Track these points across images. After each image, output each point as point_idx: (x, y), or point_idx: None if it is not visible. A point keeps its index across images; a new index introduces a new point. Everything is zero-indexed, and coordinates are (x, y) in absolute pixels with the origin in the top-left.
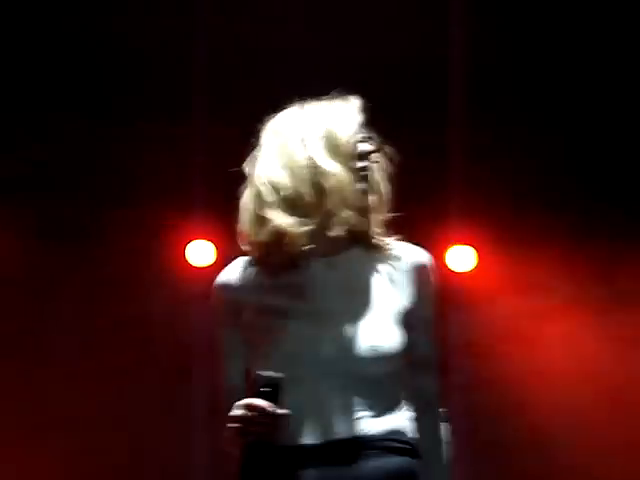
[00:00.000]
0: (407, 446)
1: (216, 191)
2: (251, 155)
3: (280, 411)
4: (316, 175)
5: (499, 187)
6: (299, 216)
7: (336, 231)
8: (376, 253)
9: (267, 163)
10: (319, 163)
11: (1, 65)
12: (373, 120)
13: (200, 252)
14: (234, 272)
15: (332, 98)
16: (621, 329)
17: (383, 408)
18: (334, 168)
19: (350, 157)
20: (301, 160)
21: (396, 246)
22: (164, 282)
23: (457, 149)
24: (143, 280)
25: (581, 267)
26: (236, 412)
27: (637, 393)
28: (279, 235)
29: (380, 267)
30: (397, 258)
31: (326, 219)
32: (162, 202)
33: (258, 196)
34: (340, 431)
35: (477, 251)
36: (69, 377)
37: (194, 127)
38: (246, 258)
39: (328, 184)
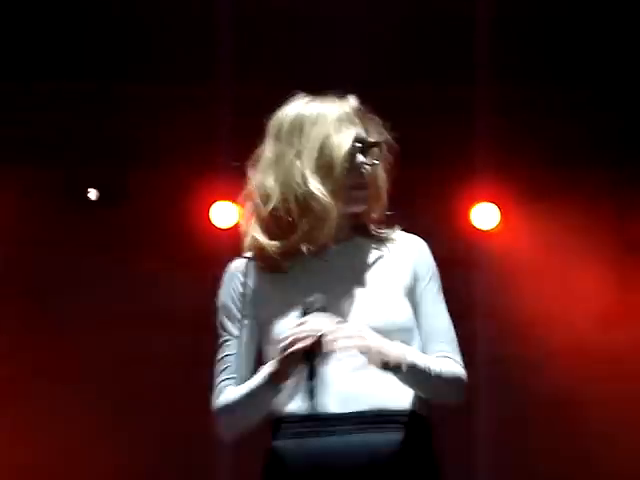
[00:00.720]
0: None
1: (240, 152)
2: (255, 154)
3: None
4: (305, 195)
5: (524, 144)
6: (282, 231)
7: (306, 247)
8: (375, 241)
9: (264, 173)
10: (309, 184)
11: (19, 30)
12: (399, 78)
13: (224, 213)
14: (239, 271)
15: (337, 96)
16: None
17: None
18: (322, 193)
19: (342, 175)
20: (294, 176)
21: (393, 234)
22: (187, 243)
23: (483, 105)
24: (167, 240)
25: (603, 222)
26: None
27: None
28: (258, 248)
29: (380, 252)
30: (395, 243)
31: (307, 235)
32: (186, 163)
33: (253, 206)
34: (362, 403)
35: (500, 208)
36: (91, 333)
37: (218, 88)
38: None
39: (314, 207)
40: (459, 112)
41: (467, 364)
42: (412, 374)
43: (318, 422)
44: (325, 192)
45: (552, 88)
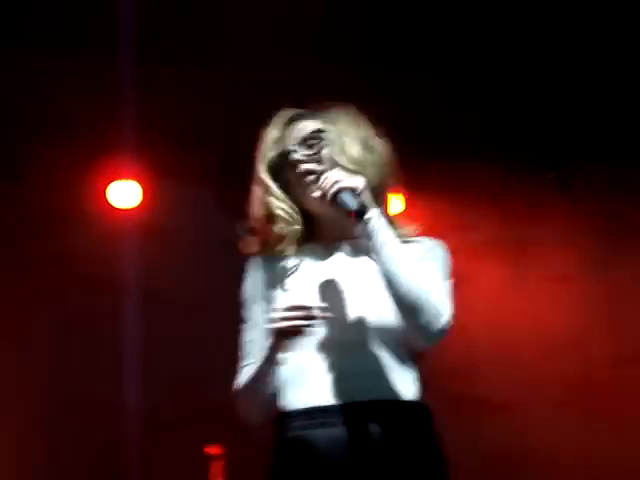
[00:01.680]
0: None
1: (144, 130)
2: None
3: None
4: (268, 202)
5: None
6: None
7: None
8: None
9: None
10: (270, 190)
11: None
12: None
13: (122, 193)
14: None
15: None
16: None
17: (392, 371)
18: (276, 197)
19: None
20: (264, 186)
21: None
22: (84, 222)
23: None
24: (62, 219)
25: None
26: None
27: (550, 324)
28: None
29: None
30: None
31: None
32: (85, 140)
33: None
34: (357, 394)
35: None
36: None
37: (120, 63)
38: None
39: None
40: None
41: None
42: (375, 239)
43: (323, 414)
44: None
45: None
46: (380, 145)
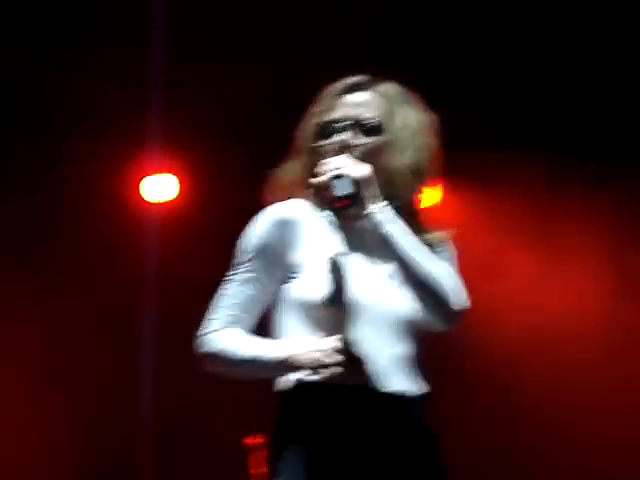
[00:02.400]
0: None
1: (172, 125)
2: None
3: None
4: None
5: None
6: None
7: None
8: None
9: None
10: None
11: None
12: None
13: (156, 186)
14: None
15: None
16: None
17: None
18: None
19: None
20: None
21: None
22: (117, 215)
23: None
24: (97, 213)
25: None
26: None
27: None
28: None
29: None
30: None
31: None
32: (118, 134)
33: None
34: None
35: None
36: (24, 310)
37: (153, 57)
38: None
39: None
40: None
41: None
42: (383, 233)
43: (351, 395)
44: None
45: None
46: (426, 153)
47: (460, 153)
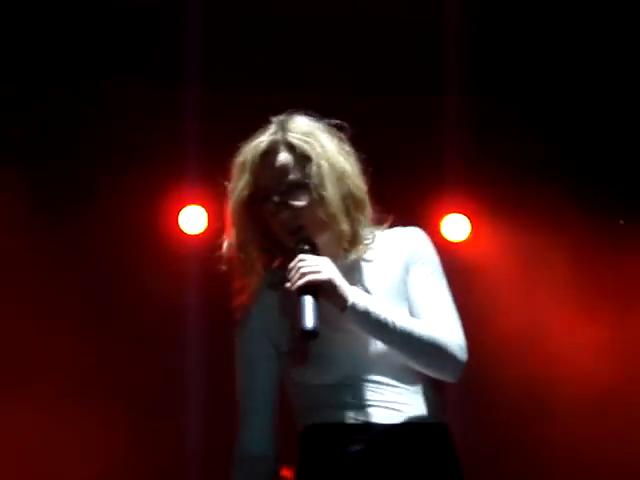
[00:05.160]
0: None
1: (208, 157)
2: None
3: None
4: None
5: (493, 155)
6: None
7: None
8: (366, 252)
9: None
10: (240, 234)
11: None
12: (367, 87)
13: (193, 219)
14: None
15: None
16: (613, 297)
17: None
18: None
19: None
20: (236, 228)
21: (383, 237)
22: (156, 249)
23: (453, 117)
24: (135, 246)
25: (575, 236)
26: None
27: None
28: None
29: (371, 261)
30: (385, 245)
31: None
32: (155, 167)
33: None
34: (402, 415)
35: (471, 220)
36: (62, 342)
37: (187, 91)
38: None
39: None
40: (428, 124)
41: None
42: (369, 323)
43: (361, 431)
44: (242, 255)
45: (523, 102)
46: (351, 170)
47: (488, 187)
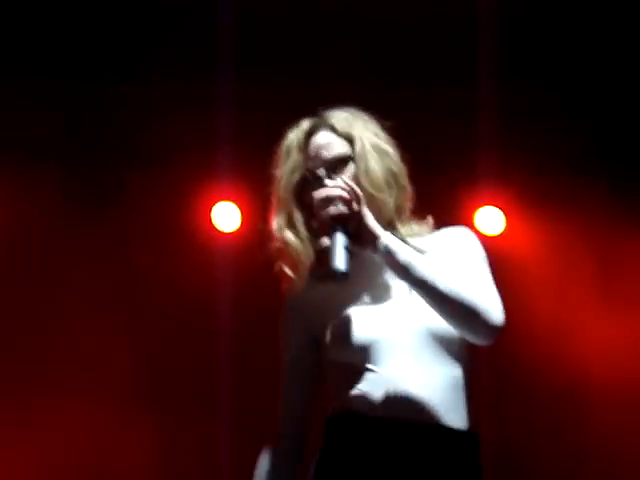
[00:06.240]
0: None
1: (241, 153)
2: None
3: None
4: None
5: (529, 149)
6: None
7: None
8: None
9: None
10: (279, 232)
11: (14, 28)
12: (403, 81)
13: (226, 215)
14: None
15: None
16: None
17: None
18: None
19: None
20: (284, 213)
21: (427, 235)
22: (188, 246)
23: (487, 109)
24: (167, 244)
25: (610, 230)
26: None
27: None
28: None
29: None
30: (429, 242)
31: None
32: (187, 164)
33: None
34: (431, 416)
35: (506, 213)
36: (86, 340)
37: (220, 87)
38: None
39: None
40: (463, 116)
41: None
42: (402, 261)
43: (389, 428)
44: (291, 235)
45: (557, 93)
46: (393, 153)
47: (523, 179)
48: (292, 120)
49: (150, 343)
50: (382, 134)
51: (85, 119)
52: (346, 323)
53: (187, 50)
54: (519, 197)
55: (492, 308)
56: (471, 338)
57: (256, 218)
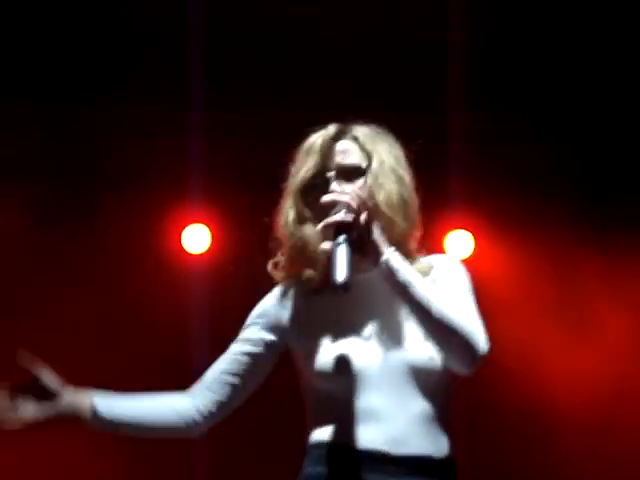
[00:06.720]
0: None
1: (212, 175)
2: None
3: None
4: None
5: (497, 172)
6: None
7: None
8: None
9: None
10: (291, 228)
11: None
12: (370, 105)
13: (196, 238)
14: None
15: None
16: (615, 311)
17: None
18: (304, 230)
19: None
20: (293, 209)
21: (422, 259)
22: (159, 267)
23: (456, 134)
24: (138, 266)
25: (578, 254)
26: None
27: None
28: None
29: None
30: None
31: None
32: (157, 187)
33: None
34: (411, 447)
35: (475, 237)
36: (61, 363)
37: (191, 111)
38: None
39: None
40: (432, 141)
41: None
42: (401, 280)
43: (366, 459)
44: (306, 233)
45: (526, 118)
46: (410, 182)
47: (492, 203)
48: (262, 144)
49: (119, 364)
50: (403, 162)
51: (56, 141)
52: (327, 351)
53: (159, 74)
54: (488, 221)
55: (480, 337)
56: (456, 365)
57: (226, 240)
